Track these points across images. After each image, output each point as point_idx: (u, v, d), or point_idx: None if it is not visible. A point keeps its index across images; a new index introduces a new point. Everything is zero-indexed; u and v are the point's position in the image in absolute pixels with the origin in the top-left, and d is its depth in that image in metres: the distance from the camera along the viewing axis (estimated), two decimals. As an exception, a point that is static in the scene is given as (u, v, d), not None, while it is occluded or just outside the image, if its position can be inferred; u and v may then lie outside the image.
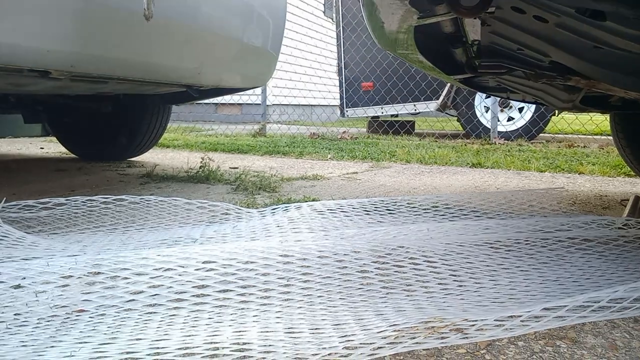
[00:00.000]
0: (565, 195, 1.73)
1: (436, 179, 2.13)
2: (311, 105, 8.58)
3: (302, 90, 7.80)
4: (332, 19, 8.07)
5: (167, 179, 1.89)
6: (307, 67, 8.26)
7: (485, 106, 4.18)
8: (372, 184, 1.94)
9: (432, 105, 4.31)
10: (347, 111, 5.01)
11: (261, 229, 1.06)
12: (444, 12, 0.95)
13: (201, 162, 1.99)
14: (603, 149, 3.44)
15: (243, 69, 1.75)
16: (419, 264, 0.84)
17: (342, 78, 4.86)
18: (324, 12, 9.21)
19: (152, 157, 2.71)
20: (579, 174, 2.47)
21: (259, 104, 4.78)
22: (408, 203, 1.30)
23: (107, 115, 2.30)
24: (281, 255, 0.79)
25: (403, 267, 0.84)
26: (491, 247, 0.96)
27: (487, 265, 0.89)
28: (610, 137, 2.40)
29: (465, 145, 3.62)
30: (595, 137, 5.01)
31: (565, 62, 1.07)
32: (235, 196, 1.59)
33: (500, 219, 1.20)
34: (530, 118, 4.04)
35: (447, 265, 0.87)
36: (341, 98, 4.98)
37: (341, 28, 4.69)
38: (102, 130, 2.40)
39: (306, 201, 1.39)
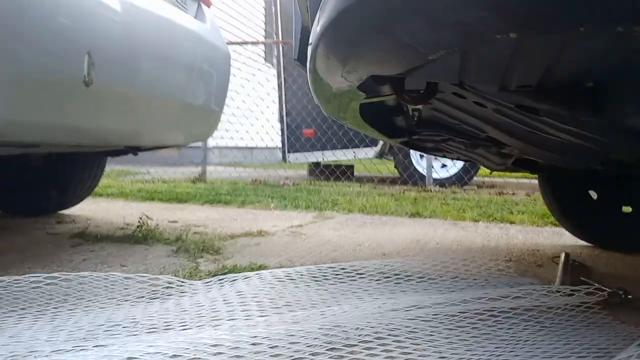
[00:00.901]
0: (500, 250, 1.81)
1: (378, 232, 2.16)
2: (250, 147, 8.55)
3: (241, 132, 7.77)
4: (272, 64, 8.20)
5: (102, 239, 1.79)
6: (247, 109, 8.28)
7: (420, 154, 4.36)
8: (318, 239, 1.94)
9: (371, 152, 4.44)
10: (288, 156, 5.04)
11: (208, 308, 1.02)
12: (388, 93, 0.99)
13: (139, 222, 1.90)
14: (530, 196, 3.66)
15: (185, 127, 1.72)
16: (374, 348, 0.83)
17: (284, 125, 4.91)
18: (264, 59, 9.38)
19: (85, 208, 2.56)
20: (510, 223, 2.60)
21: (199, 147, 4.70)
22: (357, 272, 1.30)
23: (37, 168, 2.16)
24: (232, 349, 0.75)
25: (357, 352, 0.83)
26: (440, 322, 0.97)
27: (433, 340, 0.90)
28: (535, 181, 2.56)
29: (404, 192, 3.73)
30: (520, 180, 5.35)
31: (501, 139, 1.14)
32: (177, 260, 1.52)
33: (446, 289, 1.23)
34: (462, 166, 4.28)
35: (399, 344, 0.87)
36: (283, 144, 5.01)
37: (283, 79, 4.78)
38: (31, 183, 2.25)
39: (252, 269, 1.35)
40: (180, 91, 1.55)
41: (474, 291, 1.15)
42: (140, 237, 1.80)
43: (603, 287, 1.16)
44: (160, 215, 2.56)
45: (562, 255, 1.55)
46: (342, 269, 1.33)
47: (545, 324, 1.00)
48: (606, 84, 0.64)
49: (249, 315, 0.96)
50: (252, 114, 8.24)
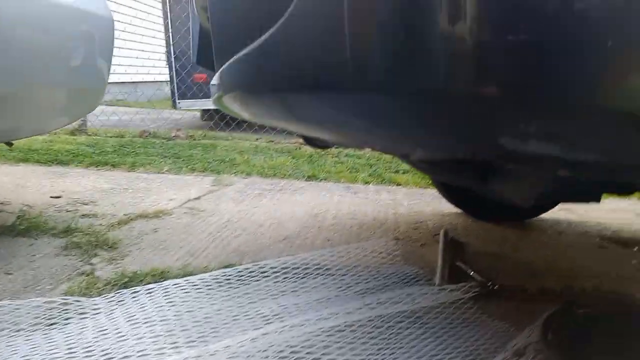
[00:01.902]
0: (389, 225, 1.97)
1: (278, 204, 2.21)
2: (135, 82, 7.94)
3: (125, 66, 7.15)
4: None
5: (-25, 232, 1.62)
6: (131, 40, 7.58)
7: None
8: (218, 219, 1.94)
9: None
10: (179, 103, 4.79)
11: (114, 337, 1.01)
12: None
13: (18, 215, 1.74)
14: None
15: (68, 110, 1.57)
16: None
17: (172, 72, 4.60)
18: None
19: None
20: (397, 185, 2.81)
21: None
22: (261, 273, 1.35)
23: None
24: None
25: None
26: (334, 335, 1.07)
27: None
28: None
29: (300, 147, 3.78)
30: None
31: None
32: (68, 261, 1.44)
33: (345, 285, 1.33)
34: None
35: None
36: (172, 91, 4.73)
37: (169, 20, 4.41)
38: None
39: (154, 275, 1.33)
40: (58, 76, 1.39)
41: (369, 294, 1.27)
42: (22, 228, 1.65)
43: (475, 279, 1.35)
44: (40, 185, 2.35)
45: (441, 235, 1.74)
46: (246, 269, 1.37)
47: (428, 324, 1.15)
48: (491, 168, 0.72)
49: (159, 347, 0.98)
50: (136, 47, 7.58)
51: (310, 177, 2.85)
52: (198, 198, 2.27)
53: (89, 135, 3.94)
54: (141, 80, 8.13)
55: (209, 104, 4.66)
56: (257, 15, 0.74)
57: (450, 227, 1.97)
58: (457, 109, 0.53)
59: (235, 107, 0.98)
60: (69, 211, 1.94)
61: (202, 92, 4.47)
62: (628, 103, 0.45)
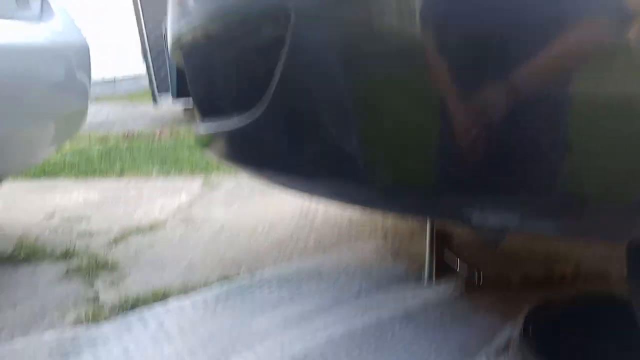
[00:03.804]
0: (377, 220, 2.04)
1: (268, 204, 2.27)
2: (112, 80, 7.84)
3: (102, 64, 7.04)
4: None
5: (-25, 264, 1.66)
6: (108, 37, 7.45)
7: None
8: (212, 226, 1.99)
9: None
10: (160, 97, 4.76)
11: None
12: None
13: (16, 242, 1.78)
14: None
15: (57, 138, 1.59)
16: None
17: (148, 61, 4.54)
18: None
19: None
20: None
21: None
22: (257, 284, 1.41)
23: None
24: None
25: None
26: (343, 343, 1.14)
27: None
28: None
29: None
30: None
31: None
32: (69, 288, 1.49)
33: (338, 291, 1.40)
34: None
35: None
36: (152, 88, 4.69)
37: (140, 8, 4.33)
38: None
39: (156, 295, 1.39)
40: (45, 114, 1.41)
41: (362, 297, 1.34)
42: (21, 256, 1.69)
43: (461, 272, 1.43)
44: (30, 202, 2.38)
45: (427, 226, 1.81)
46: (244, 282, 1.43)
47: (420, 324, 1.23)
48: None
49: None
50: (112, 43, 7.46)
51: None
52: (189, 204, 2.32)
53: (72, 143, 3.93)
54: (120, 77, 8.03)
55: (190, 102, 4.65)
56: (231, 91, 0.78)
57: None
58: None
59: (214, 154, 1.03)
60: (65, 232, 1.98)
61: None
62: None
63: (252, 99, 0.69)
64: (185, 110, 5.10)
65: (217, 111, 0.86)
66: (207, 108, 1.00)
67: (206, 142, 1.01)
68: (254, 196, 2.43)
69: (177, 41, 0.97)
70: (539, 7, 0.48)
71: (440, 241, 1.72)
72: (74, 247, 1.77)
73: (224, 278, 1.50)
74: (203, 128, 1.00)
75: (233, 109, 0.77)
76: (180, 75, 1.21)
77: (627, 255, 0.68)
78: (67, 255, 1.71)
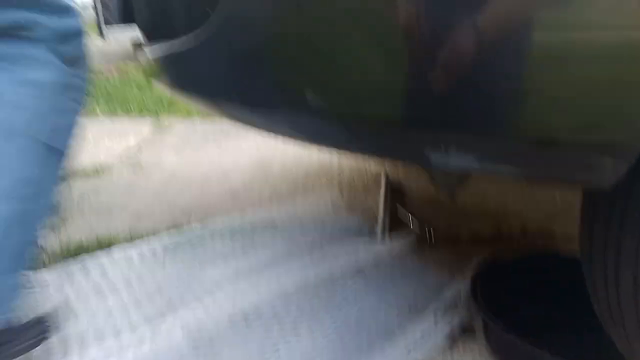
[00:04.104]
0: (334, 171, 2.02)
1: (223, 152, 2.20)
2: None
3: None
4: None
5: None
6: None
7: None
8: (161, 173, 1.91)
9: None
10: (107, 31, 4.42)
11: (66, 319, 1.02)
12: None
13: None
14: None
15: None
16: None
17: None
18: None
19: None
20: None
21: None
22: (209, 234, 1.38)
23: None
24: None
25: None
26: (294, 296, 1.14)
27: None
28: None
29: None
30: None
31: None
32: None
33: (294, 244, 1.38)
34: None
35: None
36: (97, 18, 4.34)
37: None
38: None
39: (100, 243, 1.33)
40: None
41: (315, 249, 1.33)
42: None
43: (413, 228, 1.44)
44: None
45: (382, 180, 1.81)
46: (194, 232, 1.39)
47: (371, 278, 1.24)
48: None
49: (113, 324, 1.00)
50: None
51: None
52: (138, 148, 2.21)
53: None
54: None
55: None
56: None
57: (391, 171, 2.05)
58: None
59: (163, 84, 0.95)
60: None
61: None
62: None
63: (203, 14, 0.62)
64: (136, 45, 4.80)
65: (166, 30, 0.78)
66: (155, 27, 0.91)
67: (155, 69, 0.92)
68: (207, 142, 2.35)
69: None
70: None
71: (394, 197, 1.73)
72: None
73: (173, 227, 1.44)
74: (151, 52, 0.91)
75: (183, 27, 0.69)
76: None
77: (581, 201, 0.68)
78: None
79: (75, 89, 0.86)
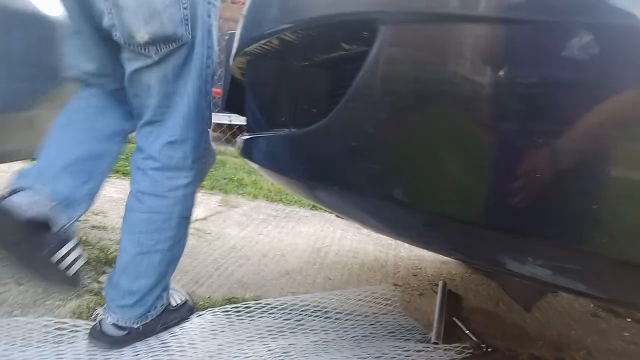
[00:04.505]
0: (389, 269, 2.01)
1: (282, 233, 2.26)
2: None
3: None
4: None
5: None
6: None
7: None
8: (223, 244, 1.98)
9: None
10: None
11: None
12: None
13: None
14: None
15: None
16: None
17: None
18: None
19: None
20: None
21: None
22: (262, 310, 1.39)
23: None
24: None
25: None
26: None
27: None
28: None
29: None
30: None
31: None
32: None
33: (343, 331, 1.36)
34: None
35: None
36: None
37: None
38: None
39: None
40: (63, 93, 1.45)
41: (365, 343, 1.30)
42: (34, 236, 1.70)
43: (469, 339, 1.39)
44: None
45: (440, 287, 1.78)
46: (248, 307, 1.41)
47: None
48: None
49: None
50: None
51: (315, 207, 2.90)
52: (205, 219, 2.32)
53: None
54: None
55: (222, 119, 4.74)
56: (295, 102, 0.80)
57: (449, 277, 2.01)
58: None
59: (258, 164, 1.04)
60: (79, 220, 1.99)
61: (217, 107, 4.53)
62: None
63: (317, 114, 0.70)
64: (217, 125, 5.18)
65: (273, 123, 0.87)
66: (263, 120, 1.02)
67: (250, 150, 1.02)
68: (269, 222, 2.43)
69: (243, 49, 0.99)
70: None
71: (451, 303, 1.69)
72: (87, 237, 1.77)
73: (229, 299, 1.47)
74: (254, 138, 1.01)
75: (292, 122, 0.78)
76: (233, 87, 1.23)
77: None
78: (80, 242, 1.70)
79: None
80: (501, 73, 0.56)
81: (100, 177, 1.11)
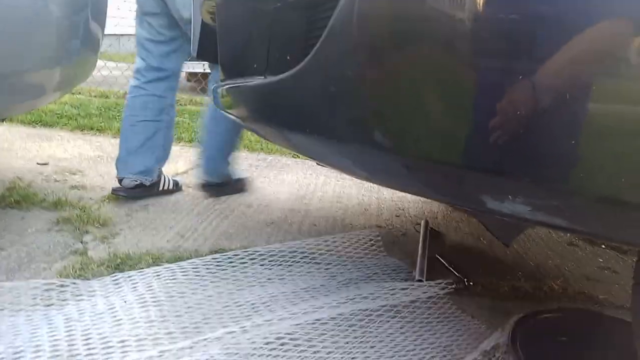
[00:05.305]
0: (372, 211, 2.03)
1: (265, 183, 2.25)
2: (117, 34, 7.70)
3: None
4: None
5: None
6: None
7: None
8: (206, 199, 1.97)
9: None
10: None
11: (110, 321, 1.06)
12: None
13: (8, 187, 1.75)
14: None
15: (63, 84, 1.56)
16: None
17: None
18: None
19: None
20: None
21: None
22: (250, 259, 1.41)
23: None
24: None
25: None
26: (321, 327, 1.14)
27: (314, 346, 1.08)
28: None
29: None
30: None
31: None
32: (60, 238, 1.47)
33: (330, 275, 1.40)
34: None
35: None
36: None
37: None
38: None
39: (145, 260, 1.37)
40: (53, 55, 1.38)
41: (352, 285, 1.34)
42: (12, 200, 1.66)
43: (452, 274, 1.44)
44: (25, 150, 2.34)
45: (422, 225, 1.82)
46: (236, 255, 1.42)
47: (407, 319, 1.23)
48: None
49: (153, 333, 1.03)
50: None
51: (297, 155, 2.88)
52: (185, 172, 2.29)
53: (73, 93, 3.86)
54: (125, 32, 7.89)
55: (197, 67, 4.59)
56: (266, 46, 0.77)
57: (430, 216, 2.05)
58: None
59: (234, 115, 1.01)
60: (58, 181, 1.95)
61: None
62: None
63: (291, 60, 0.68)
64: (190, 77, 5.04)
65: (247, 71, 0.84)
66: (236, 67, 0.98)
67: (228, 102, 0.99)
68: (251, 172, 2.42)
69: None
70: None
71: (433, 244, 1.73)
72: (66, 198, 1.75)
73: (216, 251, 1.48)
74: (227, 87, 0.98)
75: (266, 69, 0.75)
76: (204, 34, 1.17)
77: (637, 260, 0.68)
78: (58, 205, 1.68)
79: None
80: (479, 8, 0.55)
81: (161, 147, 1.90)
